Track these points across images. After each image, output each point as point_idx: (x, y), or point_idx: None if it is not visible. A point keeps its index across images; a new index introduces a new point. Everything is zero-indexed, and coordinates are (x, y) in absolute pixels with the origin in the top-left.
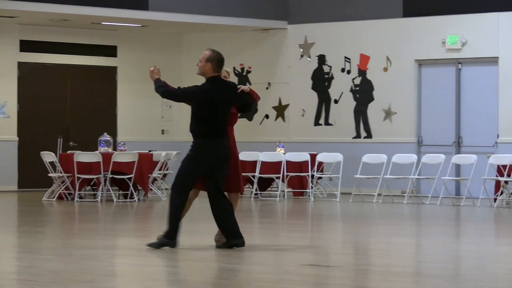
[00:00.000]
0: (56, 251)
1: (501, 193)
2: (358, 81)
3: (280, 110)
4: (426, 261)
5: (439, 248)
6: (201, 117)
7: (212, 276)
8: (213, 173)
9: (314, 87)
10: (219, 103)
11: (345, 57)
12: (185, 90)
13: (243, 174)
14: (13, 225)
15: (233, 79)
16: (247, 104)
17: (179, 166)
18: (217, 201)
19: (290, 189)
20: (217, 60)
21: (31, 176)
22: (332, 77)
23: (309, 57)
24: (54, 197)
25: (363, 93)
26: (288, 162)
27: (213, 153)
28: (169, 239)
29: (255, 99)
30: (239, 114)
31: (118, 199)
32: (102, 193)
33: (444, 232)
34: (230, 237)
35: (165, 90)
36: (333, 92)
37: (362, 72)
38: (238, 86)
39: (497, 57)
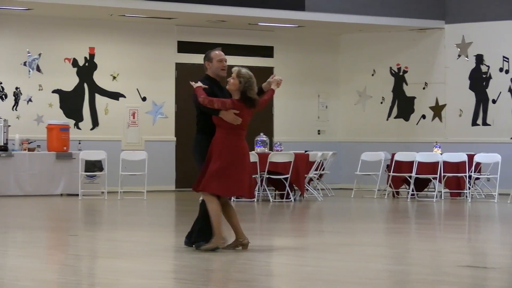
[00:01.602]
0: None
1: None
2: None
3: (437, 110)
4: None
5: None
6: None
7: (367, 276)
8: None
9: (471, 87)
10: None
11: (504, 57)
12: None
13: (400, 174)
14: (171, 224)
15: (390, 79)
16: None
17: None
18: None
19: (447, 190)
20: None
21: (189, 175)
22: (490, 77)
23: (467, 56)
24: None
25: None
26: (445, 163)
27: None
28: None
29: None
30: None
31: (275, 199)
32: (258, 193)
33: None
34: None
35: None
36: (491, 92)
37: None
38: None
39: None
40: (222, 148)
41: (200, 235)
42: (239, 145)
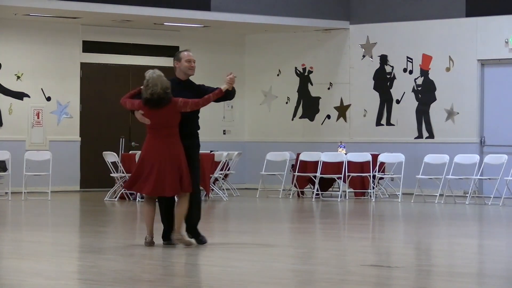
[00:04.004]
0: (118, 251)
1: None
2: (420, 81)
3: (342, 110)
4: (488, 262)
5: (501, 249)
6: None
7: (274, 276)
8: None
9: (376, 87)
10: None
11: (407, 57)
12: None
13: (305, 174)
14: (76, 225)
15: (295, 79)
16: None
17: (198, 166)
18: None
19: (352, 190)
20: None
21: (93, 176)
22: (394, 77)
23: (371, 57)
24: (116, 197)
25: (425, 93)
26: (349, 163)
27: None
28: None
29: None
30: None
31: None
32: None
33: (507, 233)
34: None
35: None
36: (395, 92)
37: (424, 72)
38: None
39: None
40: (144, 147)
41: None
42: (156, 144)
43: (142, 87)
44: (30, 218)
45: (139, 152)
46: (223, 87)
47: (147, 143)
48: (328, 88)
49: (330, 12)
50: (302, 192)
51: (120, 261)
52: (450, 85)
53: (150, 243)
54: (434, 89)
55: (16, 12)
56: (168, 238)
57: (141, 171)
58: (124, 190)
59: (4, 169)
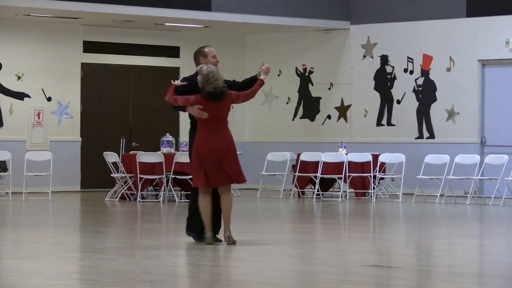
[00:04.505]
0: (119, 251)
1: None
2: (421, 81)
3: (343, 110)
4: (489, 262)
5: (502, 249)
6: None
7: (274, 276)
8: None
9: (376, 88)
10: None
11: (408, 57)
12: None
13: (305, 174)
14: (76, 225)
15: (296, 79)
16: None
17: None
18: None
19: (352, 190)
20: None
21: (94, 176)
22: (394, 78)
23: (372, 57)
24: (116, 197)
25: (426, 93)
26: (350, 163)
27: None
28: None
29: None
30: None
31: (180, 199)
32: (164, 194)
33: (507, 233)
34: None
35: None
36: (396, 92)
37: (425, 72)
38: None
39: None
40: (197, 142)
41: (189, 225)
42: (218, 137)
43: (198, 81)
44: (30, 218)
45: (139, 152)
46: (262, 77)
47: (201, 136)
48: (329, 88)
49: (331, 12)
50: (303, 192)
51: (120, 261)
52: (450, 85)
53: (211, 239)
54: (435, 89)
55: (17, 12)
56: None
57: (201, 165)
58: (125, 190)
59: (5, 169)
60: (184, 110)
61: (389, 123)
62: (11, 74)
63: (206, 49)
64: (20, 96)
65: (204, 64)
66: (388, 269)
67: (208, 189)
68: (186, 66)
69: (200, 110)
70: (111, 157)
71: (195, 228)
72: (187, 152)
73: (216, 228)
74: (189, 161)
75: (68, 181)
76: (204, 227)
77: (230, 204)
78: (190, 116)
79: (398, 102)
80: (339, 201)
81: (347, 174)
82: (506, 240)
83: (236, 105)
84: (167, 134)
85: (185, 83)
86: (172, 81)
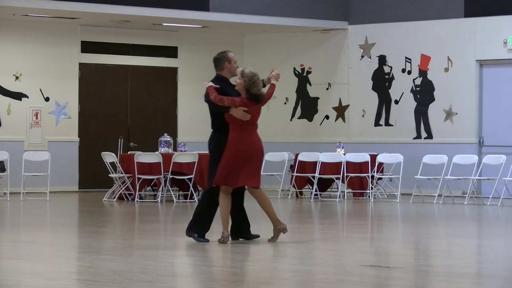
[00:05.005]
0: (117, 251)
1: None
2: (418, 81)
3: (341, 110)
4: (487, 262)
5: (500, 250)
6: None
7: (272, 276)
8: None
9: (374, 88)
10: None
11: (406, 58)
12: None
13: (303, 174)
14: (74, 225)
15: (293, 79)
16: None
17: None
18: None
19: (350, 190)
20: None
21: (92, 176)
22: (392, 78)
23: (370, 57)
24: (114, 198)
25: (424, 93)
26: (348, 163)
27: None
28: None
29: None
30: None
31: (178, 199)
32: (162, 194)
33: (506, 233)
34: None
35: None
36: (394, 92)
37: (423, 73)
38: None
39: None
40: (233, 144)
41: (193, 223)
42: (250, 139)
43: (236, 86)
44: (28, 219)
45: (137, 152)
46: (274, 82)
47: (237, 137)
48: (327, 89)
49: (329, 12)
50: (301, 193)
51: (118, 262)
52: (448, 86)
53: (227, 239)
54: (433, 89)
55: (15, 12)
56: (239, 234)
57: (233, 166)
58: (123, 191)
59: (3, 169)
60: (227, 111)
61: (387, 123)
62: (9, 74)
63: (228, 54)
64: (18, 96)
65: (246, 68)
66: (386, 269)
67: (229, 189)
68: (184, 66)
69: (244, 112)
70: (109, 157)
71: (202, 228)
72: (187, 152)
73: (244, 228)
74: (188, 161)
75: (66, 181)
76: (223, 227)
77: (267, 201)
78: (217, 121)
79: (396, 102)
80: (337, 201)
81: (345, 174)
82: (504, 240)
83: None
84: (165, 134)
85: (217, 86)
86: (204, 82)
